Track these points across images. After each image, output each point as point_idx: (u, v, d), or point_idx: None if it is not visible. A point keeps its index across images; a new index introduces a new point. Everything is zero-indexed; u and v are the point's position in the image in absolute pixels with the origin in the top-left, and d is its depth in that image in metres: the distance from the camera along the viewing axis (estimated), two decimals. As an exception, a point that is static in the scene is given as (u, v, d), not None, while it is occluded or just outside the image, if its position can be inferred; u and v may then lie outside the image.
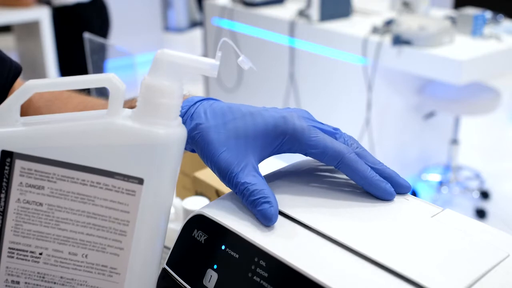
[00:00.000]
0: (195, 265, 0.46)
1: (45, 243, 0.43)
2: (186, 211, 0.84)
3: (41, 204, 0.43)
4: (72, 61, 2.89)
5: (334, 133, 0.52)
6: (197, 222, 0.48)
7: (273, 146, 0.50)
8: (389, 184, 0.50)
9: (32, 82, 0.42)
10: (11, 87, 0.71)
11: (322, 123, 0.52)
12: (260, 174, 0.49)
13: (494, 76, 2.52)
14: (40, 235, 0.43)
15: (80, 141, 0.42)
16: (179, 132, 0.44)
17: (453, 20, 2.44)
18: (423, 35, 2.21)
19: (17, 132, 0.42)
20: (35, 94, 0.59)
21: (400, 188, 0.51)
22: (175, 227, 0.83)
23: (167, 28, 4.55)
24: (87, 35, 2.16)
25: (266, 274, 0.42)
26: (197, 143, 0.49)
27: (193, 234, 0.47)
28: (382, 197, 0.50)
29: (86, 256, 0.43)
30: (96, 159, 0.42)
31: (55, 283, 0.44)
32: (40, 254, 0.43)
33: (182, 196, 0.97)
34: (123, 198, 0.43)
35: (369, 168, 0.50)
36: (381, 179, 0.50)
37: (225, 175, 0.48)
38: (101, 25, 2.91)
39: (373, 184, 0.49)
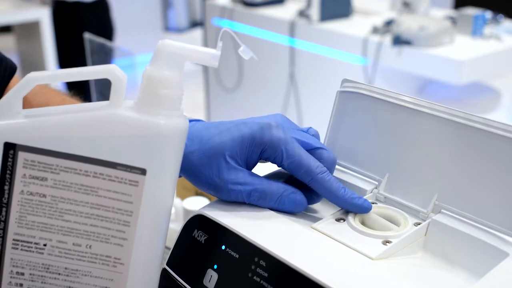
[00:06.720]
0: (195, 265, 0.46)
1: (49, 234, 0.43)
2: (186, 211, 0.84)
3: (44, 196, 0.43)
4: (72, 61, 2.89)
5: (311, 145, 0.50)
6: (197, 222, 0.48)
7: (254, 156, 0.49)
8: (363, 199, 0.49)
9: (33, 74, 0.42)
10: (7, 85, 0.71)
11: (299, 129, 0.52)
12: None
13: (494, 76, 2.52)
14: (44, 227, 0.43)
15: (82, 132, 0.42)
16: (181, 122, 0.44)
17: (453, 20, 2.44)
18: (423, 35, 2.21)
19: (20, 124, 0.42)
20: None
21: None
22: (175, 227, 0.82)
23: (167, 28, 4.55)
24: (87, 35, 2.17)
25: (266, 274, 0.42)
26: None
27: (193, 234, 0.48)
28: (359, 212, 0.49)
29: (90, 247, 0.44)
30: (98, 150, 0.42)
31: (59, 274, 0.44)
32: (44, 245, 0.43)
33: (182, 196, 0.97)
34: (126, 189, 0.43)
35: (341, 186, 0.49)
36: (355, 195, 0.49)
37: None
38: (102, 27, 2.90)
39: (346, 202, 0.49)
